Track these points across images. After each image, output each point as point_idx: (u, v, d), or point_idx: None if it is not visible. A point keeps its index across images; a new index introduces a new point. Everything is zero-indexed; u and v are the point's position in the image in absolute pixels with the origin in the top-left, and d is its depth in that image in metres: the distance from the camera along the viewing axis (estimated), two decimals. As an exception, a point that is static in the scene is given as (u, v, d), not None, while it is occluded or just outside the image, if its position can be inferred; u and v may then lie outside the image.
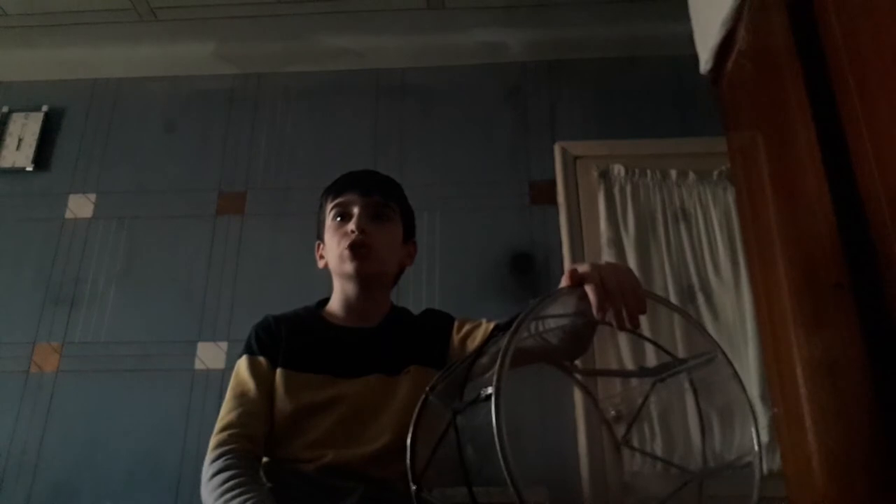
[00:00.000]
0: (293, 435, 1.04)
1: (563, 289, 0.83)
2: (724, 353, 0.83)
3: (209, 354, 2.13)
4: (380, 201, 1.18)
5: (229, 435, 1.01)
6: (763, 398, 1.87)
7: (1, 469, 2.02)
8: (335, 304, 1.19)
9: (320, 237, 1.23)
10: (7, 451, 2.04)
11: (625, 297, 0.79)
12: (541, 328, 0.98)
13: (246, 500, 0.91)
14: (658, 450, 1.88)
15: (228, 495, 0.92)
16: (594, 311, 0.79)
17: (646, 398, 0.84)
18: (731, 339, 2.01)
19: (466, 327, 1.15)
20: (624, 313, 0.79)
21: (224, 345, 2.13)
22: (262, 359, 1.09)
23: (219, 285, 2.23)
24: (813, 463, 1.00)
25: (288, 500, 0.99)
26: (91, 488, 1.97)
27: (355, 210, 1.16)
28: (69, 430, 2.06)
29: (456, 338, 1.14)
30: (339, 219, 1.17)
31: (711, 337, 0.86)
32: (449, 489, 0.81)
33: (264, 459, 1.06)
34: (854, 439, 0.91)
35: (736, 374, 0.81)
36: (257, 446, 1.02)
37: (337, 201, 1.18)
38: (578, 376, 0.95)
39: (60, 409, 2.09)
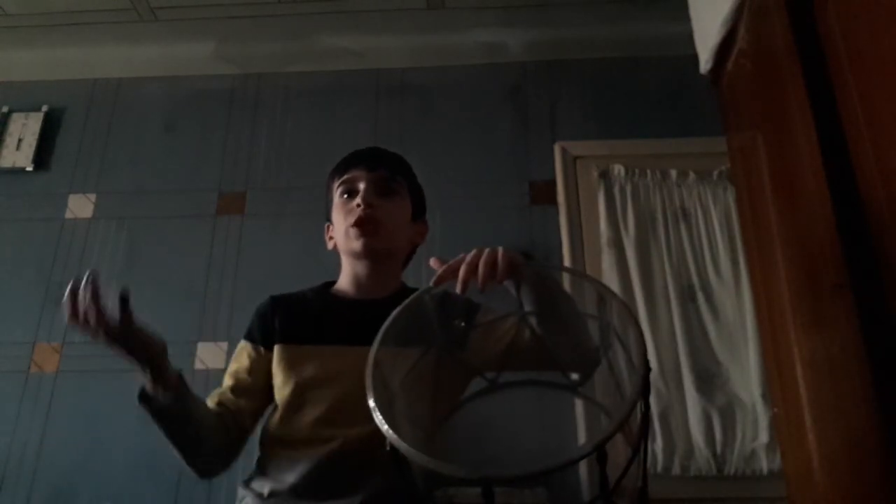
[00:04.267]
0: (298, 410, 1.04)
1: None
2: (613, 294, 0.84)
3: (209, 354, 2.12)
4: (386, 175, 1.17)
5: (214, 396, 1.10)
6: (763, 398, 1.87)
7: (1, 469, 2.02)
8: (343, 282, 1.18)
9: (329, 218, 1.23)
10: (7, 452, 2.03)
11: (474, 259, 0.86)
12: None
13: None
14: (658, 450, 1.88)
15: None
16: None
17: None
18: (731, 339, 2.01)
19: (490, 316, 1.09)
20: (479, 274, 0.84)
21: (224, 345, 2.13)
22: (254, 344, 1.13)
23: (219, 285, 2.23)
24: (813, 463, 1.00)
25: (294, 494, 0.98)
26: (91, 488, 1.97)
27: (361, 185, 1.15)
28: (69, 431, 2.05)
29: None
30: (345, 196, 1.17)
31: (599, 282, 0.89)
32: (451, 489, 0.81)
33: (270, 449, 1.05)
34: (854, 439, 0.91)
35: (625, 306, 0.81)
36: (237, 414, 1.08)
37: (343, 178, 1.18)
38: (581, 389, 0.94)
39: (60, 410, 2.09)
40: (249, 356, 1.12)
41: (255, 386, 1.10)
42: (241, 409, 1.08)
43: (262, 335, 1.13)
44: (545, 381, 0.93)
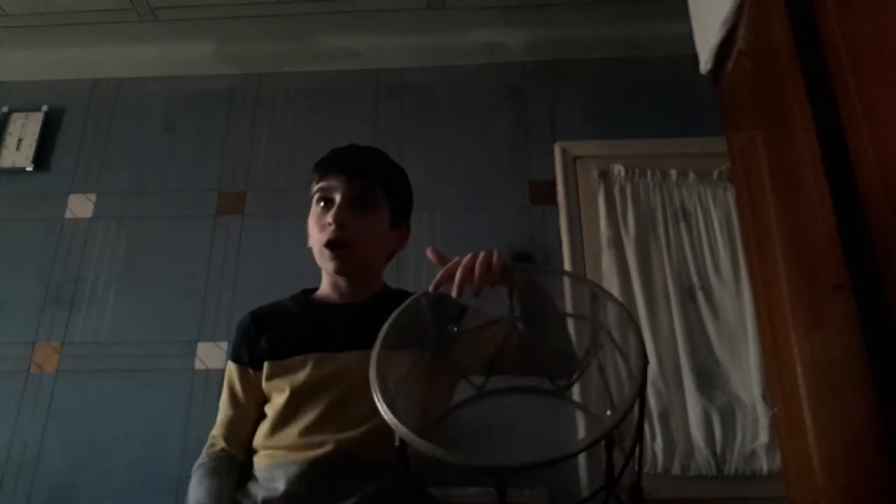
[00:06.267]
0: (290, 418, 1.04)
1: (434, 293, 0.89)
2: (607, 292, 0.83)
3: (209, 354, 2.13)
4: (364, 188, 1.12)
5: (214, 437, 1.12)
6: (763, 398, 1.88)
7: (1, 469, 2.02)
8: (324, 287, 1.18)
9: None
10: (7, 451, 2.04)
11: (469, 262, 0.87)
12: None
13: (202, 483, 1.04)
14: (658, 450, 1.88)
15: (194, 480, 1.06)
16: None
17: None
18: (731, 339, 2.01)
19: (479, 320, 1.07)
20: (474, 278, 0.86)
21: (224, 345, 2.13)
22: (243, 367, 1.13)
23: (219, 285, 2.23)
24: (813, 463, 1.00)
25: (287, 500, 0.98)
26: (91, 488, 1.97)
27: (337, 197, 1.11)
28: (69, 431, 2.06)
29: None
30: (322, 203, 1.13)
31: (592, 282, 0.88)
32: (452, 490, 0.81)
33: (259, 455, 1.06)
34: (854, 439, 0.91)
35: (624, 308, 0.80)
36: (238, 447, 1.09)
37: (320, 185, 1.14)
38: (569, 394, 0.94)
39: (60, 409, 2.09)
40: (242, 381, 1.12)
41: (255, 411, 1.11)
42: (247, 438, 1.09)
43: (249, 356, 1.12)
44: (530, 388, 0.92)
